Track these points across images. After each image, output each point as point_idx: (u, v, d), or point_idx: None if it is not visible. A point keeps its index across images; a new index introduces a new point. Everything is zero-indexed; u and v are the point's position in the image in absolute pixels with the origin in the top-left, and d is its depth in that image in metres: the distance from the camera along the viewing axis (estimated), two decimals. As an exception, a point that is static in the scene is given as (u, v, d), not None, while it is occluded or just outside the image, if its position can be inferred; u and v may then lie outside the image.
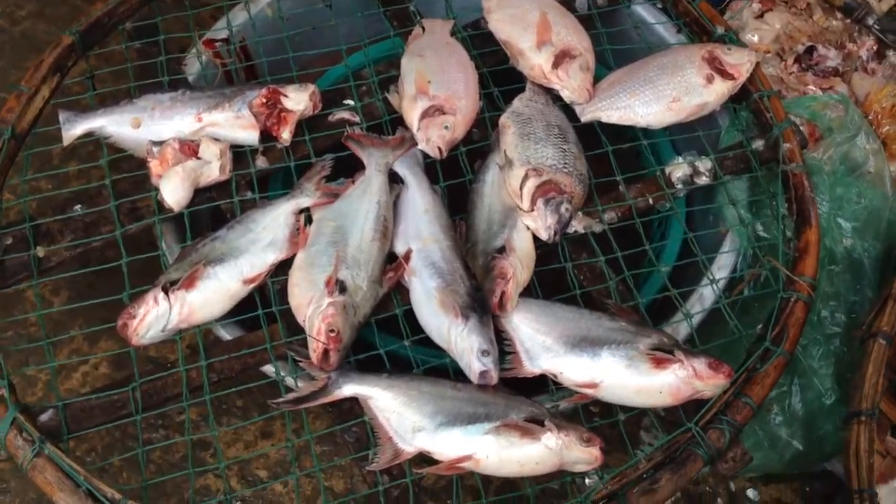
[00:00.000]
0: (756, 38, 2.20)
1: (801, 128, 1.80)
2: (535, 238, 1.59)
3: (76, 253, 1.62)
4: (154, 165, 1.62)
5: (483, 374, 1.41)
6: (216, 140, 1.66)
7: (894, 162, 1.94)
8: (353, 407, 1.45)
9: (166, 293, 1.45)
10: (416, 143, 1.68)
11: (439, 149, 1.64)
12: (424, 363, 1.52)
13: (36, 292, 1.59)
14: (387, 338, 1.55)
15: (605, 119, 1.76)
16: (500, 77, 1.85)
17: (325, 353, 1.40)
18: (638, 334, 1.46)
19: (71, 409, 1.43)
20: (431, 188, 1.65)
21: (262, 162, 1.71)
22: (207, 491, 1.89)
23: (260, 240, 1.55)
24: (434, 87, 1.70)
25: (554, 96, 1.79)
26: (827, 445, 1.74)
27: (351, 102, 1.81)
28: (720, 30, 1.90)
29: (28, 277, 1.58)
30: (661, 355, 1.42)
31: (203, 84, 1.87)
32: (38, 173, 1.97)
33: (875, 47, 2.17)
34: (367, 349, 1.52)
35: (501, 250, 1.53)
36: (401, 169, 1.68)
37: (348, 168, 1.68)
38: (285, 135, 1.68)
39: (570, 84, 1.75)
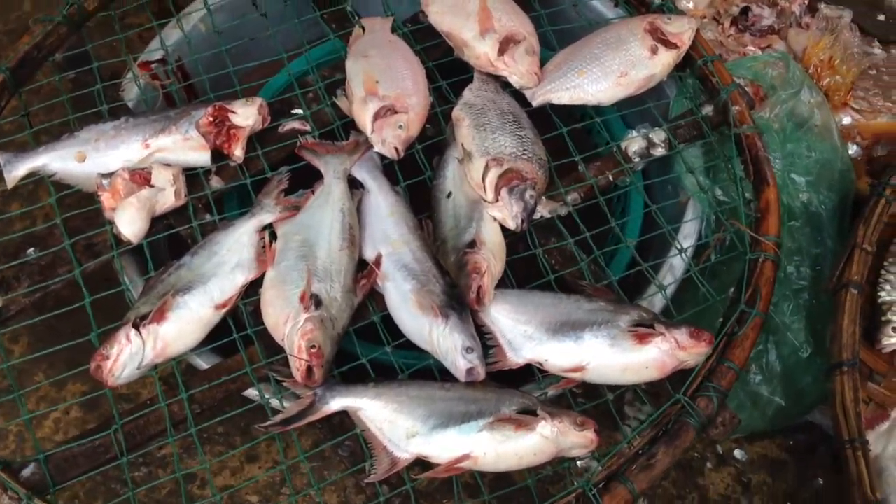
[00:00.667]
0: (691, 5, 2.22)
1: (746, 89, 1.82)
2: (503, 227, 1.58)
3: (35, 298, 1.56)
4: (106, 198, 1.57)
5: (470, 370, 1.41)
6: (167, 165, 1.61)
7: (839, 113, 1.98)
8: (344, 421, 1.43)
9: (137, 329, 1.41)
10: (372, 146, 1.66)
11: (396, 149, 1.62)
12: (409, 367, 1.51)
13: (-1, 343, 1.53)
14: (368, 346, 1.53)
15: (556, 101, 1.76)
16: (446, 69, 1.83)
17: (309, 369, 1.38)
18: (617, 312, 1.47)
19: (54, 460, 1.39)
20: (393, 190, 1.64)
21: (216, 182, 1.67)
22: (200, 524, 1.85)
23: (226, 262, 1.52)
24: (383, 87, 1.68)
25: (503, 83, 1.79)
26: (807, 398, 1.78)
27: (300, 111, 1.77)
28: (657, 0, 1.91)
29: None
30: (643, 331, 1.43)
31: (144, 109, 1.82)
32: (-21, 220, 1.91)
33: (807, 1, 2.20)
34: (349, 360, 1.50)
35: (472, 245, 1.52)
36: (359, 174, 1.66)
37: (306, 179, 1.65)
38: (238, 152, 1.64)
39: (518, 69, 1.74)
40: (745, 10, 2.19)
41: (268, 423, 1.39)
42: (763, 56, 1.97)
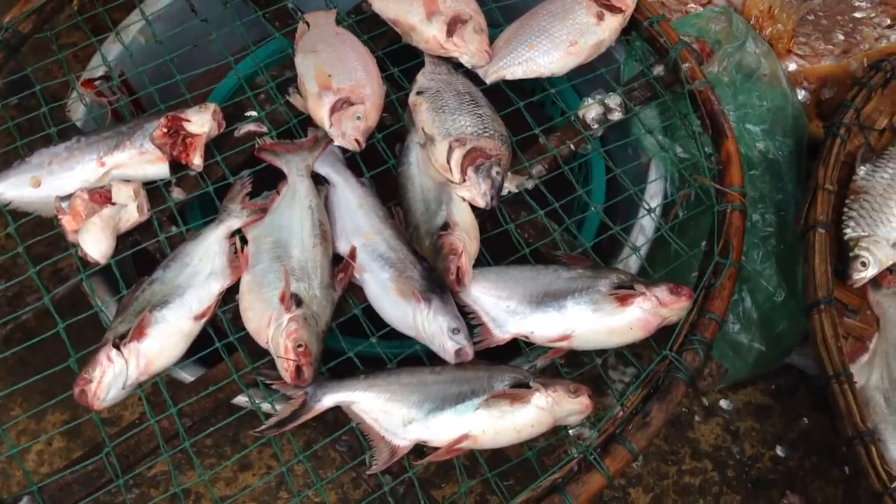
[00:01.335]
0: (629, -31, 2.23)
1: (693, 46, 1.84)
2: (473, 207, 1.58)
3: (6, 331, 1.53)
4: (67, 221, 1.54)
5: (458, 351, 1.41)
6: (126, 181, 1.58)
7: (784, 60, 2.01)
8: (338, 416, 1.43)
9: (118, 349, 1.38)
10: (332, 141, 1.65)
11: (357, 141, 1.61)
12: (396, 356, 1.50)
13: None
14: (352, 340, 1.52)
15: (509, 76, 1.76)
16: (396, 56, 1.83)
17: (298, 369, 1.37)
18: (596, 277, 1.48)
19: (48, 491, 1.36)
20: (359, 182, 1.63)
21: (178, 193, 1.65)
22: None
23: (200, 272, 1.50)
24: (336, 80, 1.67)
25: (454, 64, 1.78)
26: (786, 341, 1.81)
27: (253, 113, 1.75)
28: (597, -33, 1.92)
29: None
30: (624, 292, 1.44)
31: (94, 127, 1.78)
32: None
33: (740, -45, 2.23)
34: (335, 356, 1.49)
35: (445, 227, 1.51)
36: (322, 169, 1.64)
37: (269, 180, 1.63)
38: (196, 160, 1.62)
39: (469, 49, 1.74)
40: (681, -31, 2.21)
41: (262, 427, 1.38)
42: (706, 12, 2.00)
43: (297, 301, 1.42)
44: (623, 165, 1.76)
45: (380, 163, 1.69)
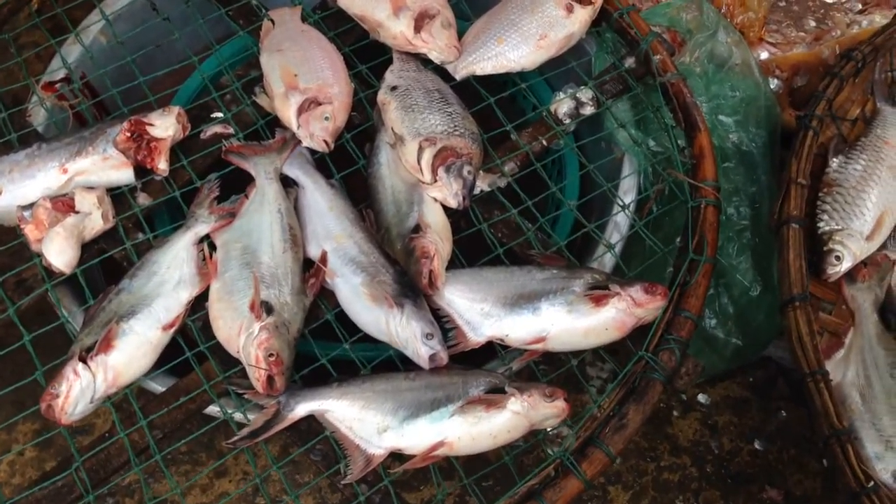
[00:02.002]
0: (598, -42, 2.21)
1: (664, 36, 1.82)
2: (445, 207, 1.56)
3: (-29, 345, 1.49)
4: (30, 231, 1.50)
5: (432, 357, 1.39)
6: (90, 188, 1.55)
7: (756, 49, 2.00)
8: (311, 424, 1.40)
9: (85, 362, 1.35)
10: (300, 142, 1.62)
11: (325, 142, 1.59)
12: (370, 360, 1.48)
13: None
14: (324, 344, 1.50)
15: (479, 72, 1.74)
16: (363, 53, 1.79)
17: (270, 379, 1.34)
18: (571, 278, 1.46)
19: (17, 510, 1.33)
20: (328, 184, 1.60)
21: (144, 199, 1.61)
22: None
23: (167, 280, 1.46)
24: (303, 80, 1.64)
25: (423, 60, 1.76)
26: (763, 334, 1.81)
27: (220, 114, 1.72)
28: (565, -41, 1.89)
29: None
30: (599, 293, 1.43)
31: (56, 132, 1.74)
32: None
33: (710, -58, 2.21)
34: (307, 362, 1.47)
35: (417, 229, 1.49)
36: (291, 171, 1.61)
37: (237, 183, 1.60)
38: (162, 165, 1.58)
39: (437, 45, 1.71)
40: (651, -42, 2.19)
41: (235, 438, 1.36)
42: (676, 1, 1.97)
43: (268, 309, 1.40)
44: (596, 161, 1.74)
45: (349, 163, 1.66)
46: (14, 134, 1.67)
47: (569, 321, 1.43)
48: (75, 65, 1.82)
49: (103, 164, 1.57)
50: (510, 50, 1.73)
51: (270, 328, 1.37)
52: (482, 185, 1.63)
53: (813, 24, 2.04)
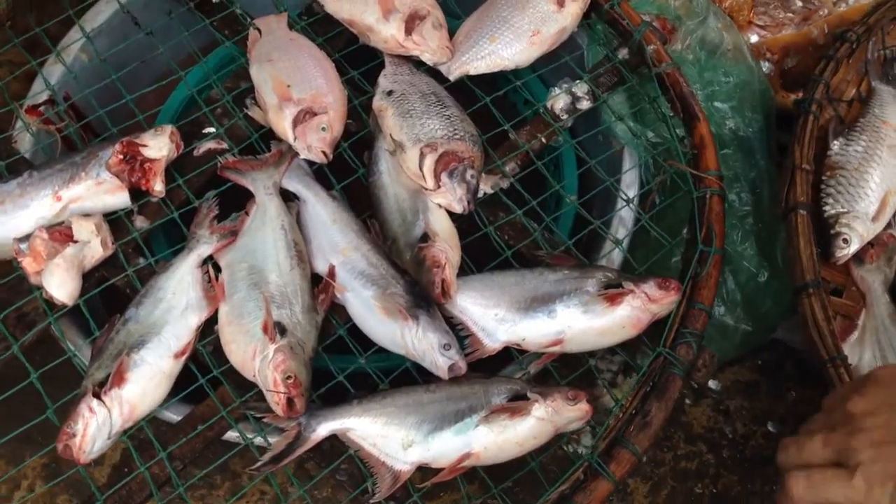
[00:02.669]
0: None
1: (655, 24, 1.81)
2: (450, 213, 1.54)
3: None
4: (28, 263, 1.46)
5: (451, 367, 1.38)
6: (86, 215, 1.51)
7: (745, 32, 1.99)
8: (334, 444, 1.39)
9: (99, 398, 1.32)
10: (297, 154, 1.59)
11: (324, 153, 1.56)
12: (385, 371, 1.47)
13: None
14: (338, 358, 1.48)
15: (473, 72, 1.71)
16: (353, 58, 1.76)
17: (289, 401, 1.32)
18: (583, 278, 1.45)
19: (39, 553, 1.31)
20: (330, 195, 1.57)
21: (141, 222, 1.57)
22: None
23: (175, 306, 1.43)
24: (296, 91, 1.60)
25: (415, 63, 1.73)
26: (771, 319, 1.81)
27: (212, 130, 1.68)
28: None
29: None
30: (613, 292, 1.42)
31: (44, 158, 1.69)
32: None
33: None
34: (322, 377, 1.45)
35: (424, 238, 1.47)
36: (291, 185, 1.59)
37: (236, 199, 1.57)
38: (158, 186, 1.54)
39: (429, 46, 1.68)
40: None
41: (258, 464, 1.33)
42: (664, -12, 1.96)
43: (281, 329, 1.37)
44: (595, 156, 1.73)
45: (348, 172, 1.63)
46: (1, 162, 1.62)
47: (585, 322, 1.42)
48: (58, 86, 1.77)
49: (98, 189, 1.53)
50: (503, 48, 1.71)
51: (285, 349, 1.35)
52: (485, 187, 1.61)
53: (800, 3, 2.04)
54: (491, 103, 1.70)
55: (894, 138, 1.63)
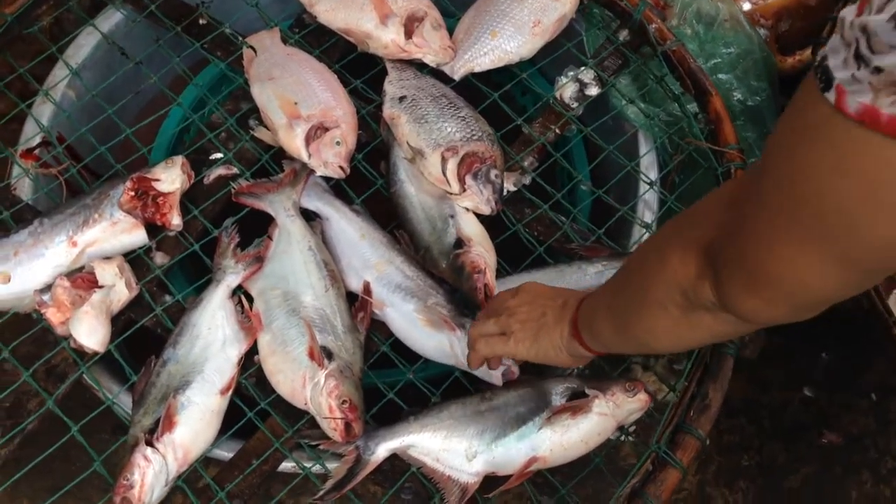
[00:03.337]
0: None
1: (648, 0, 1.79)
2: (477, 215, 1.52)
3: (14, 446, 1.40)
4: (52, 314, 1.41)
5: (504, 373, 1.36)
6: (107, 258, 1.46)
7: (739, 1, 1.98)
8: (395, 463, 1.36)
9: (152, 445, 1.28)
10: (313, 171, 1.55)
11: (341, 168, 1.53)
12: (434, 383, 1.44)
13: (-6, 508, 1.36)
14: (384, 374, 1.45)
15: (477, 69, 1.69)
16: (353, 67, 1.72)
17: (347, 426, 1.29)
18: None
19: None
20: (353, 210, 1.54)
21: (161, 258, 1.53)
22: None
23: (213, 342, 1.39)
24: (304, 107, 1.57)
25: (418, 66, 1.70)
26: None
27: (219, 155, 1.63)
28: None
29: (-23, 497, 1.36)
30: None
31: (47, 203, 1.63)
32: None
33: None
34: (369, 397, 1.42)
35: (459, 244, 1.45)
36: (311, 203, 1.55)
37: (255, 225, 1.53)
38: (175, 220, 1.50)
39: (432, 48, 1.66)
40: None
41: (320, 493, 1.30)
42: (653, -36, 1.94)
43: (328, 354, 1.34)
44: (607, 143, 1.71)
45: (366, 185, 1.60)
46: (6, 212, 1.56)
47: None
48: (49, 126, 1.71)
49: (113, 230, 1.48)
50: (505, 41, 1.69)
51: (336, 374, 1.32)
52: (508, 185, 1.59)
53: (787, -33, 2.03)
54: (499, 99, 1.67)
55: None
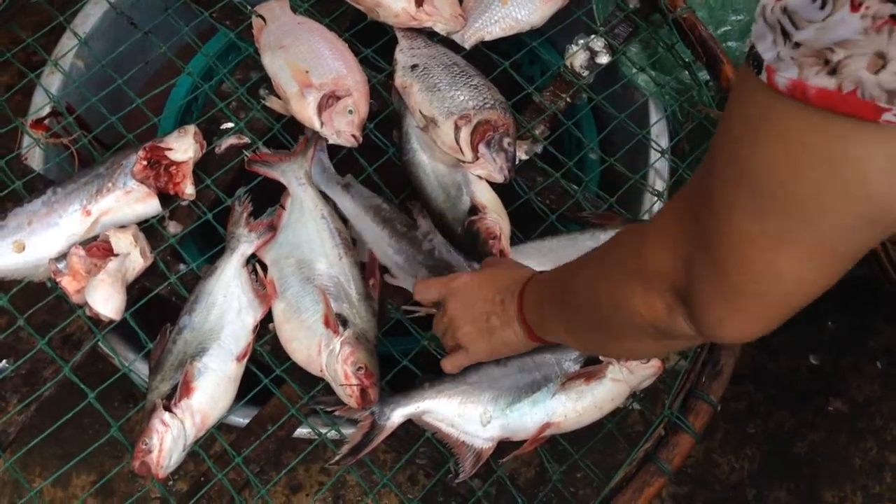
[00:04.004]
0: None
1: (652, -33, 1.79)
2: (490, 183, 1.52)
3: (31, 412, 1.41)
4: (67, 283, 1.42)
5: None
6: (122, 227, 1.46)
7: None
8: (409, 430, 1.37)
9: (170, 411, 1.29)
10: (323, 139, 1.55)
11: (353, 136, 1.53)
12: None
13: (14, 471, 1.37)
14: (398, 341, 1.46)
15: (488, 37, 1.68)
16: (363, 36, 1.71)
17: (363, 392, 1.31)
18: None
19: (130, 576, 1.28)
20: (343, 188, 1.53)
21: (174, 227, 1.53)
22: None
23: (228, 309, 1.40)
24: (315, 76, 1.57)
25: (428, 34, 1.69)
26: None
27: (230, 125, 1.64)
28: None
29: (-4, 461, 1.37)
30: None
31: (58, 172, 1.63)
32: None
33: None
34: (383, 364, 1.43)
35: (473, 211, 1.46)
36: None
37: (266, 194, 1.53)
38: (189, 189, 1.50)
39: (443, 16, 1.65)
40: None
41: (337, 457, 1.32)
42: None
43: (343, 321, 1.35)
44: (622, 109, 1.70)
45: (378, 154, 1.60)
46: (18, 182, 1.56)
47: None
48: (60, 96, 1.70)
49: (127, 199, 1.48)
50: (516, 9, 1.68)
51: (351, 341, 1.33)
52: (520, 153, 1.59)
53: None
54: (510, 67, 1.67)
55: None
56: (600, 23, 1.76)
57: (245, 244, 1.46)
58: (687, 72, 1.69)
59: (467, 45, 1.68)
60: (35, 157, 1.65)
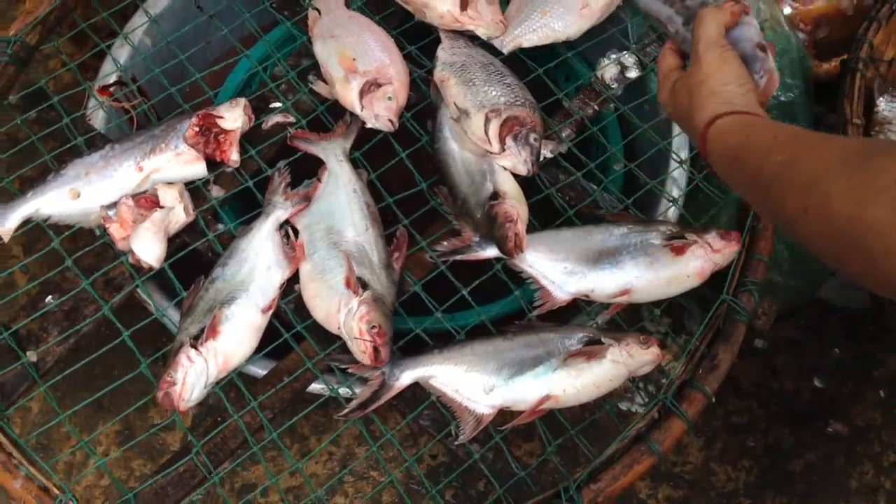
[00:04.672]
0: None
1: (692, -4, 1.88)
2: (513, 175, 1.61)
3: (69, 344, 1.52)
4: (115, 229, 1.53)
5: None
6: (169, 184, 1.58)
7: (781, 4, 2.07)
8: (416, 393, 1.45)
9: (196, 349, 1.39)
10: (362, 123, 1.66)
11: (390, 121, 1.63)
12: (462, 328, 1.53)
13: (49, 397, 1.47)
14: (414, 317, 1.55)
15: (526, 44, 1.79)
16: (409, 34, 1.83)
17: (375, 350, 1.39)
18: (647, 231, 1.52)
19: (143, 497, 1.37)
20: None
21: (216, 191, 1.65)
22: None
23: (258, 266, 1.50)
24: (361, 63, 1.68)
25: (469, 37, 1.80)
26: (815, 276, 1.88)
27: (278, 104, 1.75)
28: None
29: (32, 387, 1.48)
30: (679, 242, 1.49)
31: (117, 133, 1.76)
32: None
33: None
34: (400, 335, 1.51)
35: (495, 196, 1.54)
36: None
37: (302, 171, 1.64)
38: (234, 156, 1.61)
39: (484, 21, 1.76)
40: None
41: (345, 410, 1.40)
42: (701, -37, 2.03)
43: (363, 284, 1.44)
44: (645, 122, 1.79)
45: (413, 141, 1.71)
46: (81, 138, 1.69)
47: (652, 272, 1.49)
48: (127, 67, 1.84)
49: (177, 160, 1.60)
50: (554, 20, 1.78)
51: (369, 301, 1.42)
52: (545, 151, 1.68)
53: (831, -24, 2.12)
54: (544, 74, 1.77)
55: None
56: (633, 41, 1.85)
57: (280, 210, 1.57)
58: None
59: (505, 51, 1.78)
60: (98, 119, 1.79)
